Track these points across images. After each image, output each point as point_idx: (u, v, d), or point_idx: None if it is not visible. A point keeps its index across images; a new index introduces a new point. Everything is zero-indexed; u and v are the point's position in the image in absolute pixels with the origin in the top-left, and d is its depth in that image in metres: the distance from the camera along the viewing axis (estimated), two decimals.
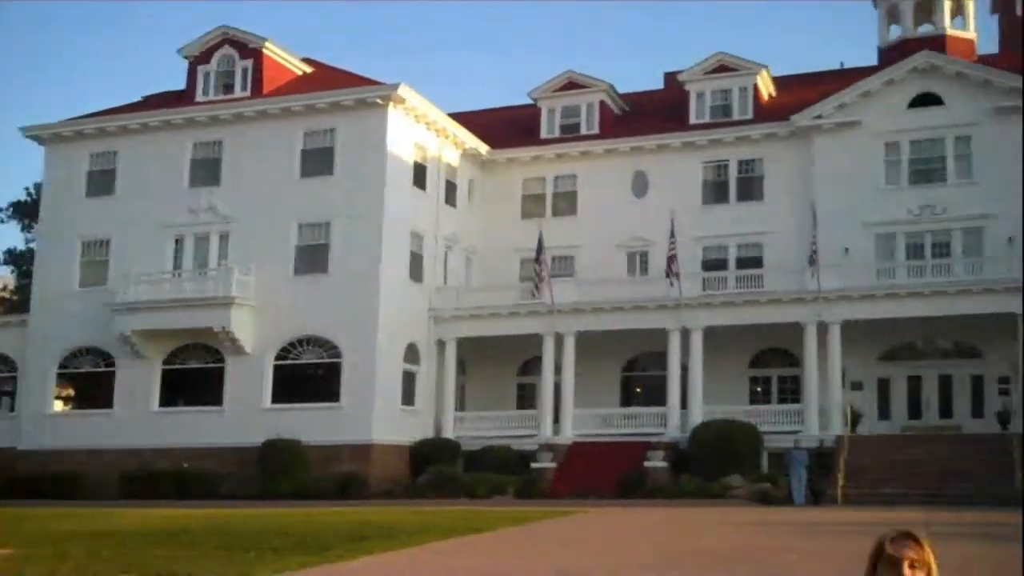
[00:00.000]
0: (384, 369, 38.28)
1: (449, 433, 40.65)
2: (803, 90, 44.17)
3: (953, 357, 39.58)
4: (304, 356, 39.16)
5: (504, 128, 47.13)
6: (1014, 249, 36.82)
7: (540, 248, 38.31)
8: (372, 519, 25.20)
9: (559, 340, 40.08)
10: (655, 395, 40.48)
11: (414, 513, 27.63)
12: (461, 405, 42.94)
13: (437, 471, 37.06)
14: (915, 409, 39.52)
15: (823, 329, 37.20)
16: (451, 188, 43.76)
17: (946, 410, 39.16)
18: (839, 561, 14.22)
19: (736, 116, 44.05)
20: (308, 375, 39.16)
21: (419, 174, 41.31)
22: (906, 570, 3.15)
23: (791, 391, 40.37)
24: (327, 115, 40.04)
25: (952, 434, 36.96)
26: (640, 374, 43.53)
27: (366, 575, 14.55)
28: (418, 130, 41.17)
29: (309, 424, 37.30)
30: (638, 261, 43.91)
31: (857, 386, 39.36)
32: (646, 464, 35.81)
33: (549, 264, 39.76)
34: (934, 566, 3.20)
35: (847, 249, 39.54)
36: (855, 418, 37.27)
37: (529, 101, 47.59)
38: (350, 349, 38.13)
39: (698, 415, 37.95)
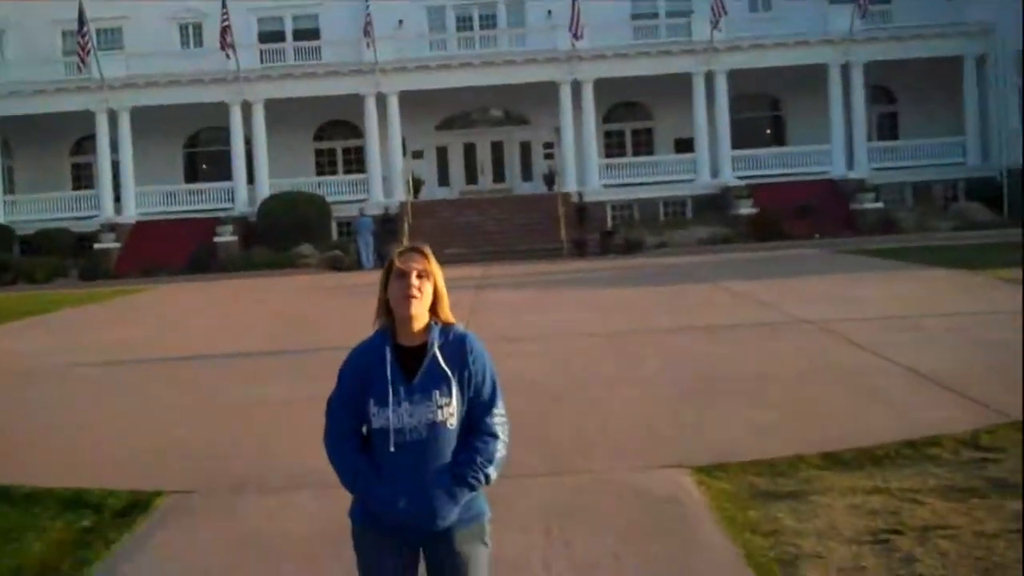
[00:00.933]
0: None
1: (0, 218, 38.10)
2: None
3: (504, 124, 42.03)
4: None
5: None
6: (553, 20, 39.14)
7: (82, 19, 35.29)
8: None
9: (113, 117, 38.08)
10: (221, 170, 39.99)
11: None
12: (11, 188, 40.20)
13: None
14: (472, 175, 41.91)
15: (382, 100, 38.06)
16: None
17: (499, 174, 41.86)
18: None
19: None
20: None
21: None
22: (413, 279, 3.46)
23: (356, 162, 41.28)
24: None
25: (505, 196, 39.58)
26: (204, 150, 42.64)
27: None
28: None
29: None
30: (192, 33, 42.15)
31: (418, 155, 40.98)
32: (216, 239, 35.62)
33: (94, 36, 37.07)
34: (439, 276, 3.55)
35: (401, 21, 40.22)
36: (416, 185, 38.91)
37: None
38: None
39: (265, 188, 38.03)
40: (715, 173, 37.92)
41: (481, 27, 40.98)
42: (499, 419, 3.58)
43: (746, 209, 34.66)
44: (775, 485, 6.50)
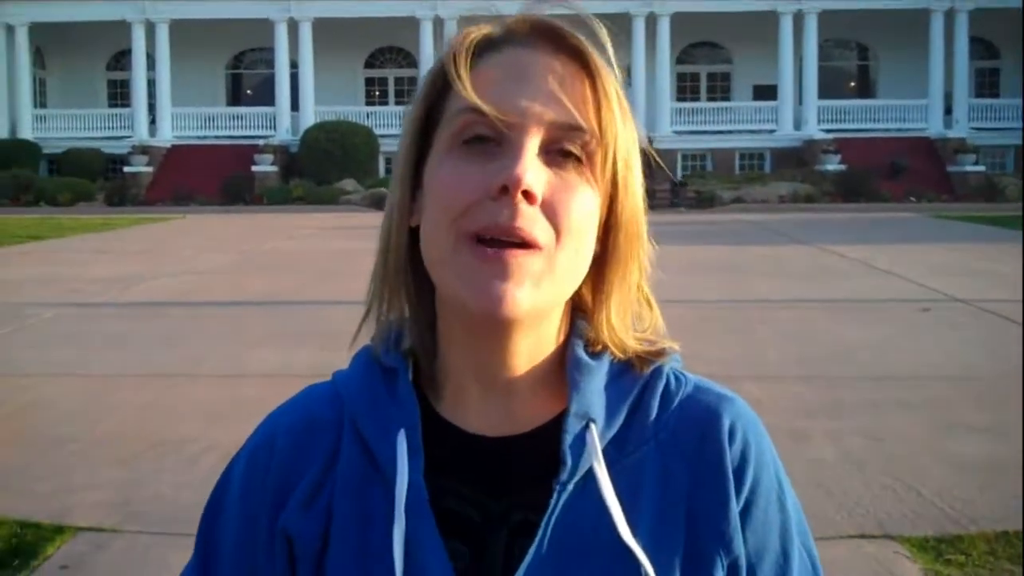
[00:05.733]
0: None
1: (27, 134, 35.75)
2: None
3: None
4: None
5: None
6: None
7: None
8: None
9: (151, 30, 35.46)
10: (265, 96, 37.35)
11: None
12: (42, 102, 37.84)
13: (11, 175, 32.53)
14: None
15: (440, 25, 35.06)
16: None
17: None
18: None
19: None
20: None
21: None
22: (529, 162, 0.82)
23: (409, 92, 38.30)
24: None
25: None
26: (248, 72, 40.03)
27: None
28: None
29: None
30: None
31: None
32: (254, 168, 33.12)
33: None
34: (632, 158, 0.89)
35: None
36: None
37: None
38: None
39: (310, 116, 35.35)
40: (798, 125, 34.66)
41: None
42: None
43: (833, 165, 31.42)
44: None
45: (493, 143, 0.84)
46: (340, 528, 0.88)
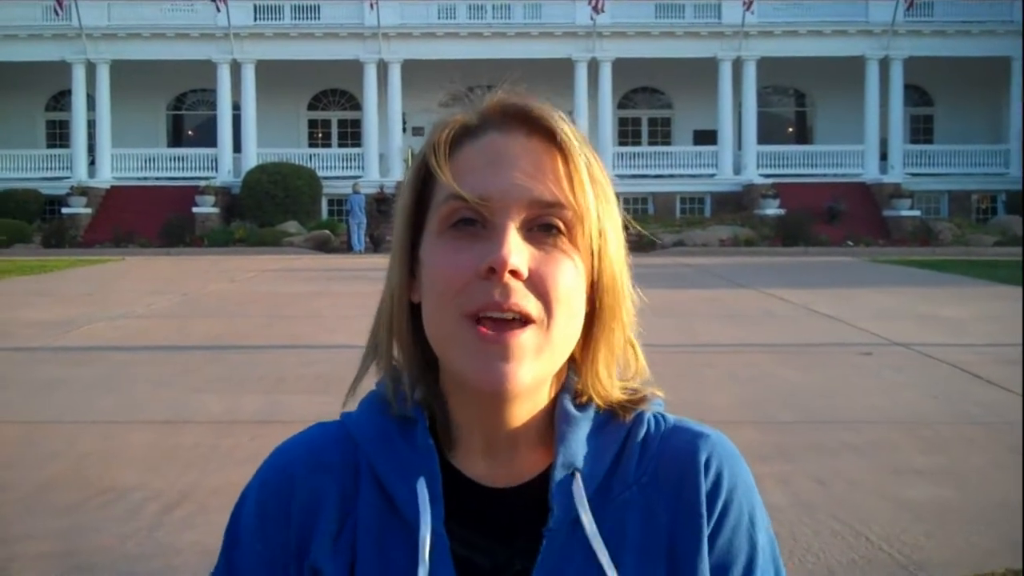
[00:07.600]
0: None
1: None
2: None
3: None
4: None
5: None
6: None
7: None
8: None
9: (91, 70, 35.13)
10: (207, 137, 37.11)
11: None
12: None
13: None
14: None
15: (384, 69, 35.20)
16: None
17: None
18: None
19: None
20: None
21: None
22: (514, 252, 0.88)
23: (352, 135, 38.49)
24: None
25: None
26: (190, 113, 39.77)
27: None
28: None
29: None
30: None
31: (418, 131, 38.13)
32: (195, 210, 32.85)
33: None
34: (612, 228, 0.96)
35: None
36: None
37: None
38: None
39: (252, 158, 35.17)
40: (737, 169, 35.15)
41: None
42: None
43: (772, 210, 31.86)
44: None
45: (479, 224, 0.91)
46: (363, 569, 0.93)
